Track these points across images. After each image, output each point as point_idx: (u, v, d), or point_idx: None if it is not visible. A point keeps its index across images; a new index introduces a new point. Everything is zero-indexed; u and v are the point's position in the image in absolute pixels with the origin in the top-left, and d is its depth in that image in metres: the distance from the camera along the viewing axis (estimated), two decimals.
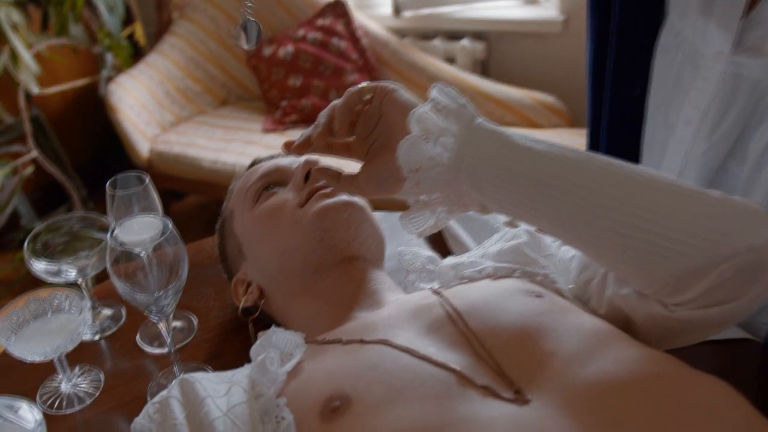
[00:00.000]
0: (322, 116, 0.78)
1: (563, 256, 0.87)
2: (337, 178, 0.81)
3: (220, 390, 0.69)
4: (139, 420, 0.70)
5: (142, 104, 2.79)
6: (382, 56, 2.83)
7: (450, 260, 0.89)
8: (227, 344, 1.00)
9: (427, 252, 0.97)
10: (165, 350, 0.99)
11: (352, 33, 2.83)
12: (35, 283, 0.95)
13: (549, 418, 0.56)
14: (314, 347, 0.75)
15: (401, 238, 1.19)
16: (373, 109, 0.77)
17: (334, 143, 0.81)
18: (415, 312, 0.75)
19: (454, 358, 0.65)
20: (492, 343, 0.66)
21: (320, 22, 2.84)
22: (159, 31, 3.11)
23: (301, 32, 2.84)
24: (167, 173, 2.72)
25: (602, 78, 1.10)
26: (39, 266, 0.95)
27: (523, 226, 0.89)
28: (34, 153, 2.66)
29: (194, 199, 3.08)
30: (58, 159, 2.85)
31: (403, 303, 0.79)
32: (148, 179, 0.91)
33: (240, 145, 2.67)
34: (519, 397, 0.59)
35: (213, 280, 1.11)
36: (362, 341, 0.71)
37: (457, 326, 0.70)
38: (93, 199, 2.92)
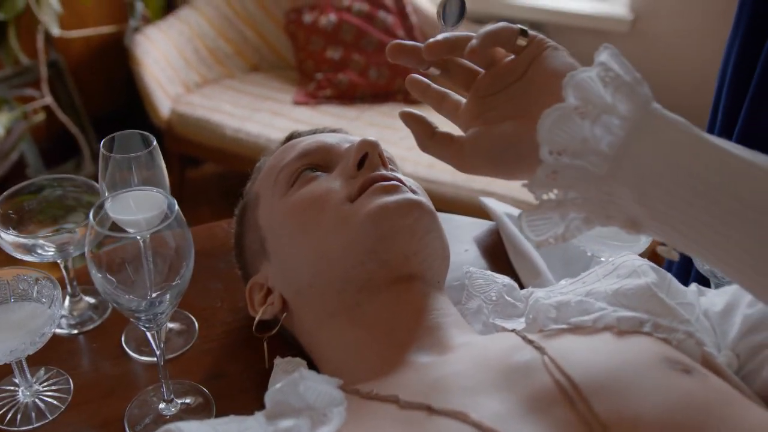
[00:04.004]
0: (450, 35, 0.59)
1: (710, 308, 0.65)
2: (431, 130, 0.60)
3: None
4: None
5: (168, 60, 2.59)
6: (430, 36, 2.60)
7: (542, 293, 0.67)
8: (233, 361, 0.79)
9: (502, 277, 0.76)
10: (154, 359, 0.79)
11: (401, 8, 2.61)
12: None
13: None
14: (356, 402, 0.54)
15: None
16: (520, 62, 0.57)
17: (449, 77, 0.62)
18: (505, 372, 0.54)
19: None
20: None
21: None
22: None
23: (346, 1, 2.61)
24: (187, 137, 2.53)
25: (739, 98, 0.88)
26: (7, 238, 0.75)
27: (639, 260, 0.67)
28: (48, 99, 2.46)
29: (212, 168, 2.88)
30: (74, 109, 2.66)
31: (482, 352, 0.58)
32: (155, 142, 0.71)
33: (267, 116, 2.47)
34: None
35: (223, 275, 0.91)
36: (429, 409, 0.50)
37: (576, 410, 0.48)
38: None
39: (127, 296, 0.62)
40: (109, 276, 0.61)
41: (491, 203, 1.03)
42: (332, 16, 2.61)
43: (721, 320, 0.63)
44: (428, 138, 0.60)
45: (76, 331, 0.83)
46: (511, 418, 0.49)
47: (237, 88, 2.65)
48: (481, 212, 1.07)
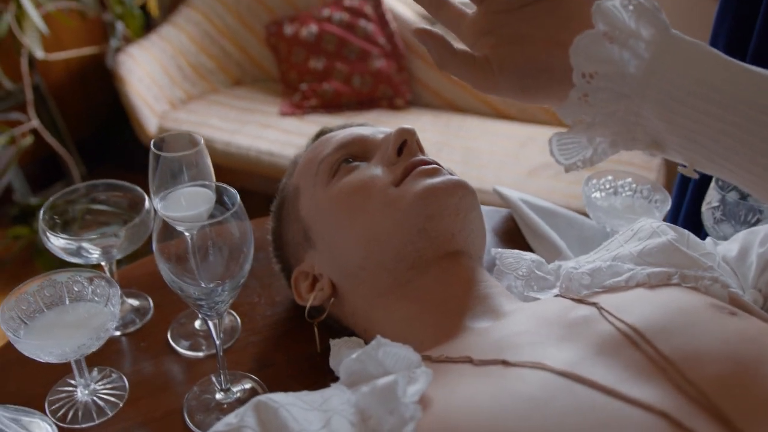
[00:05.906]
0: None
1: (727, 254, 0.70)
2: (451, 48, 0.56)
3: (312, 421, 0.51)
4: None
5: (152, 78, 2.60)
6: (411, 42, 2.65)
7: (572, 264, 0.71)
8: (279, 351, 0.82)
9: (530, 254, 0.79)
10: (201, 354, 0.82)
11: (381, 16, 2.65)
12: (27, 261, 0.78)
13: None
14: (430, 366, 0.57)
15: None
16: None
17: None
18: (566, 326, 0.58)
19: (651, 395, 0.48)
20: (699, 377, 0.49)
21: (347, 2, 2.66)
22: (173, 1, 2.91)
23: (326, 12, 2.66)
24: None
25: None
26: (57, 242, 0.77)
27: (656, 222, 0.71)
28: (35, 123, 2.46)
29: None
30: (58, 132, 2.65)
31: (538, 313, 0.62)
32: (202, 142, 0.74)
33: (255, 128, 2.49)
34: None
35: (257, 272, 0.94)
36: (505, 363, 0.53)
37: (641, 350, 0.52)
38: (93, 177, 2.72)
39: (189, 284, 0.64)
40: (176, 267, 0.63)
41: (506, 190, 1.07)
42: (313, 27, 2.64)
43: (739, 263, 0.68)
44: (451, 55, 0.56)
45: (119, 333, 0.85)
46: (584, 362, 0.52)
47: (222, 102, 2.68)
48: None
